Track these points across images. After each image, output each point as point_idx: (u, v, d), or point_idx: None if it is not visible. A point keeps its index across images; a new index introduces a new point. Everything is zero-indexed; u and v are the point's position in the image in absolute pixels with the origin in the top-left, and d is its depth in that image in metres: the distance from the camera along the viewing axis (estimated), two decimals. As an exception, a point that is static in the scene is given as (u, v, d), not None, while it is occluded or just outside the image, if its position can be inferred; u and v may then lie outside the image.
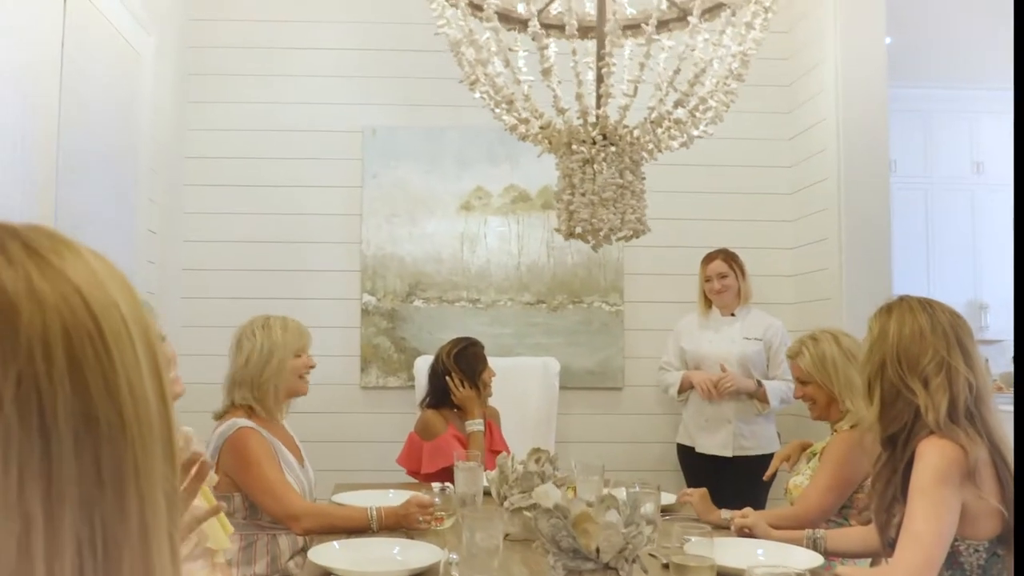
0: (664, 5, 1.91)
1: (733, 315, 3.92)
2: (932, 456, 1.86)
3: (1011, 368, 7.05)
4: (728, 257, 3.90)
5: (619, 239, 2.04)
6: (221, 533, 1.96)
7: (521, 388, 4.07)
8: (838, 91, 4.01)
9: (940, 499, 1.83)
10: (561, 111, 1.96)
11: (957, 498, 1.85)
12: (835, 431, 2.66)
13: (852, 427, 2.53)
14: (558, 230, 2.13)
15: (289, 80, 4.40)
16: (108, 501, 0.55)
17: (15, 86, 2.51)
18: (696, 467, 3.93)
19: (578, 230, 1.96)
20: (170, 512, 0.60)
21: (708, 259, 3.94)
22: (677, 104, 1.94)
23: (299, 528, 2.49)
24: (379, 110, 4.42)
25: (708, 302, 3.96)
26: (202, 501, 2.12)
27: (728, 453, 3.81)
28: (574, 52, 1.88)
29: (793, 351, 2.81)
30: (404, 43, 4.33)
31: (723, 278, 3.87)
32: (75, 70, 2.95)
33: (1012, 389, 6.24)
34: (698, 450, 3.90)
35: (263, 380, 2.66)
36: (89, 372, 0.55)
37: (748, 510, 2.46)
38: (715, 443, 3.85)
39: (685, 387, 3.92)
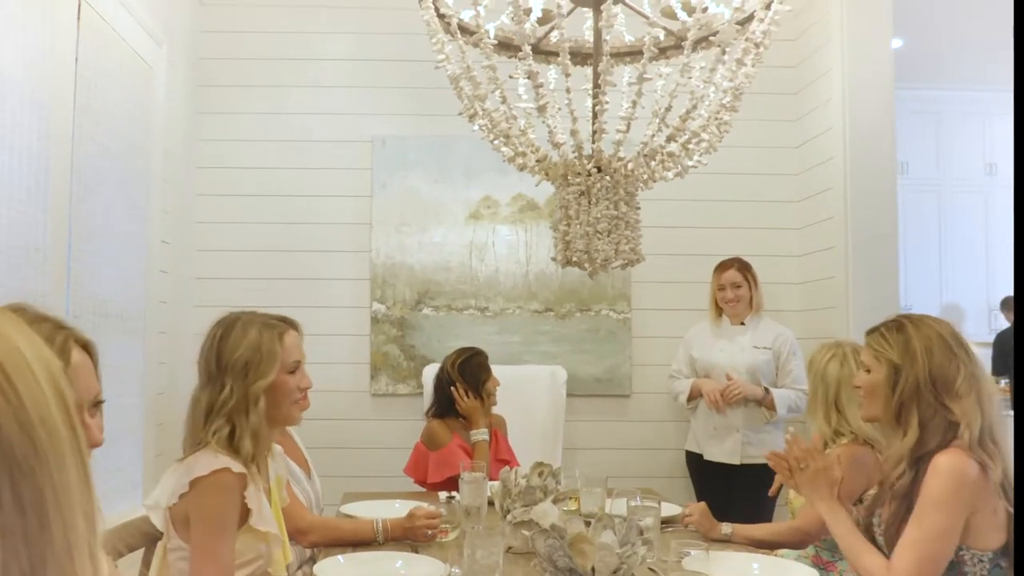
0: (662, 35, 1.93)
1: (743, 324, 3.94)
2: (954, 471, 1.86)
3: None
4: (743, 267, 3.92)
5: (614, 268, 2.08)
6: (282, 561, 2.03)
7: (529, 396, 4.11)
8: (845, 99, 4.02)
9: (950, 517, 1.84)
10: (557, 145, 2.00)
11: (964, 515, 1.87)
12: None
13: (849, 442, 2.56)
14: (555, 259, 2.18)
15: (299, 91, 4.45)
16: (32, 526, 0.61)
17: (30, 101, 2.57)
18: (704, 474, 3.96)
19: (574, 259, 2.00)
20: (88, 528, 0.66)
21: (722, 268, 3.95)
22: (670, 139, 1.98)
23: (306, 542, 2.53)
24: (388, 120, 4.47)
25: (719, 310, 3.98)
26: (281, 492, 2.20)
27: (736, 461, 3.84)
28: (568, 91, 1.91)
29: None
30: (413, 54, 4.36)
31: (737, 288, 3.89)
32: (88, 84, 3.01)
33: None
34: (706, 457, 3.93)
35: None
36: (1, 414, 0.61)
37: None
38: (723, 451, 3.88)
39: (695, 395, 3.95)
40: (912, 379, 1.97)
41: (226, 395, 1.99)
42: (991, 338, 7.40)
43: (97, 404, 1.28)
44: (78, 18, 2.92)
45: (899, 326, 2.05)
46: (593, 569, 1.69)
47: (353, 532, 2.53)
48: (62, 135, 2.80)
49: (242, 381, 2.01)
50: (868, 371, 2.08)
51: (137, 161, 3.53)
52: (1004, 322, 7.34)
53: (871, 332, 2.11)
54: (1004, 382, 7.15)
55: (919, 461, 1.95)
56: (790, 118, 4.54)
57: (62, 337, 1.21)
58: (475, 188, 4.42)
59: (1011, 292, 7.21)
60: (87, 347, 1.28)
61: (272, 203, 4.39)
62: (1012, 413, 5.33)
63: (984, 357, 7.48)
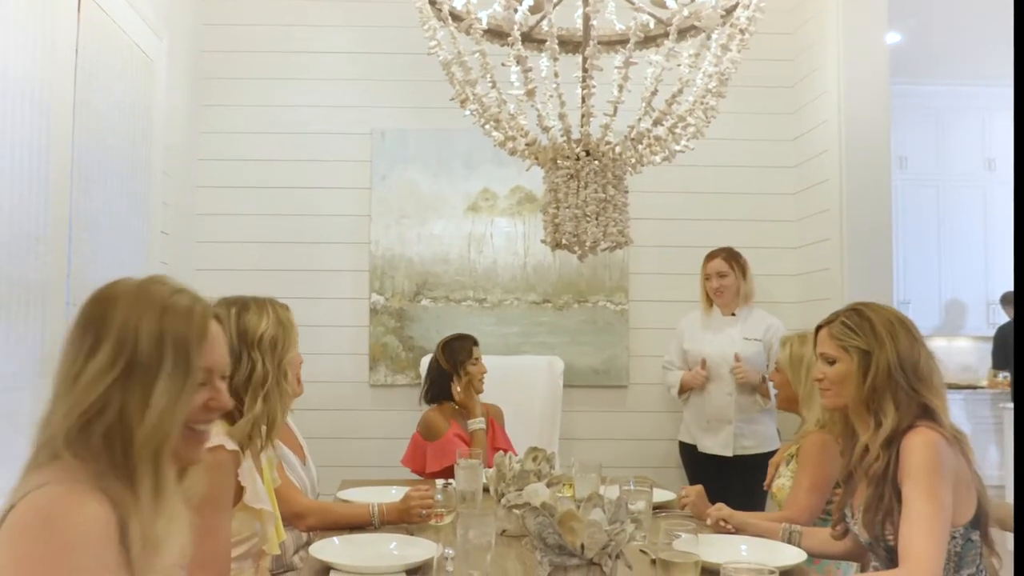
0: (652, 23, 1.96)
1: (734, 315, 3.97)
2: (928, 445, 1.90)
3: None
4: (729, 256, 3.95)
5: (603, 251, 2.11)
6: (275, 538, 2.07)
7: (526, 386, 4.14)
8: (840, 92, 4.05)
9: (940, 492, 1.87)
10: (545, 129, 2.04)
11: (951, 485, 1.89)
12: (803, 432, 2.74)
13: (821, 428, 2.61)
14: (544, 241, 2.21)
15: (299, 83, 4.48)
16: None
17: (31, 94, 2.60)
18: (697, 465, 3.99)
19: (564, 241, 2.03)
20: None
21: (709, 257, 3.99)
22: (656, 122, 2.01)
23: (303, 525, 2.56)
24: (388, 113, 4.50)
25: (710, 301, 4.01)
26: (272, 472, 2.24)
27: (728, 453, 3.87)
28: (556, 75, 1.94)
29: (782, 340, 2.94)
30: (413, 46, 4.38)
31: (722, 277, 3.92)
32: (89, 77, 3.03)
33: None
34: (699, 449, 3.96)
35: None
36: None
37: (720, 505, 2.53)
38: (716, 443, 3.91)
39: (685, 388, 3.99)
40: (884, 364, 2.00)
41: (260, 371, 2.03)
42: (990, 332, 7.43)
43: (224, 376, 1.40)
44: (78, 10, 2.94)
45: (859, 314, 2.07)
46: (582, 546, 1.72)
47: (349, 516, 2.56)
48: (62, 127, 2.83)
49: (272, 355, 2.05)
50: (832, 362, 2.09)
51: (138, 153, 3.56)
52: (1003, 316, 7.36)
53: (829, 324, 2.12)
54: (1003, 375, 7.17)
55: (890, 444, 1.99)
56: (787, 111, 4.56)
57: (201, 307, 1.35)
58: (474, 180, 4.46)
59: (1010, 287, 7.24)
60: (220, 320, 1.41)
61: (272, 195, 4.42)
62: (1012, 406, 5.35)
63: (984, 351, 7.53)
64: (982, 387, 7.29)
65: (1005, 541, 2.16)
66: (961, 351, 7.61)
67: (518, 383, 4.00)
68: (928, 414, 1.98)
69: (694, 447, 3.99)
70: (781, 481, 2.80)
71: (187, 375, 1.28)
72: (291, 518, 2.58)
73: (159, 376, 1.26)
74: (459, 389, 3.47)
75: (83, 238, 3.01)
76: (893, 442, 1.97)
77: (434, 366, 3.57)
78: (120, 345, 1.25)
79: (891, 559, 1.99)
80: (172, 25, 3.89)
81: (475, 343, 3.58)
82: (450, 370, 3.48)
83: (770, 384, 3.78)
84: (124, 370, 1.24)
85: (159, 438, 1.26)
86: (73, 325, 1.30)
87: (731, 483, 3.72)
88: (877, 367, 2.00)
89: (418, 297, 4.41)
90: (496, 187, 4.45)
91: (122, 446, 1.23)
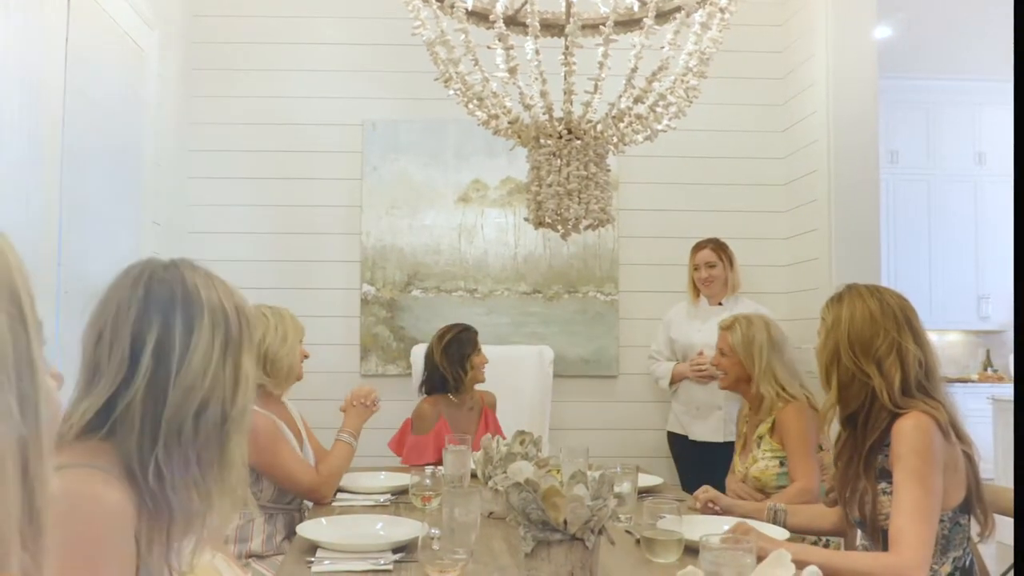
0: (636, 6, 1.99)
1: (721, 304, 3.99)
2: (912, 434, 1.91)
3: (1012, 358, 7.09)
4: (717, 247, 3.98)
5: (585, 228, 2.13)
6: None
7: (516, 376, 4.15)
8: (829, 83, 4.07)
9: (931, 477, 1.89)
10: (528, 107, 2.06)
11: (940, 470, 1.91)
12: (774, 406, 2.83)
13: (786, 402, 2.69)
14: (527, 219, 2.24)
15: (291, 74, 4.49)
16: None
17: (21, 83, 2.61)
18: (688, 454, 4.00)
19: (547, 219, 2.06)
20: None
21: (697, 248, 4.02)
22: (637, 100, 2.03)
23: (327, 493, 2.68)
24: (379, 104, 4.51)
25: (697, 291, 4.03)
26: None
27: (720, 439, 3.89)
28: (537, 52, 1.97)
29: (726, 324, 3.06)
30: (404, 38, 4.35)
31: (711, 267, 3.95)
32: (79, 66, 3.04)
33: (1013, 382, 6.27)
34: (691, 438, 3.97)
35: (279, 358, 2.75)
36: None
37: (706, 487, 2.56)
38: (707, 429, 3.93)
39: (677, 379, 4.01)
40: (833, 342, 2.05)
41: None
42: (980, 326, 7.46)
43: None
44: (68, 0, 2.95)
45: (839, 296, 2.11)
46: (565, 521, 1.74)
47: (341, 458, 2.82)
48: (52, 115, 2.84)
49: None
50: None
51: (129, 143, 3.57)
52: (994, 312, 7.39)
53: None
54: (991, 369, 7.19)
55: (852, 422, 2.04)
56: (777, 102, 4.58)
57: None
58: (465, 171, 4.47)
59: (1002, 282, 7.28)
60: None
61: (263, 186, 4.44)
62: (999, 397, 5.36)
63: (973, 345, 7.56)
64: (972, 380, 7.33)
65: (996, 530, 2.16)
66: (951, 345, 7.65)
67: (508, 373, 4.01)
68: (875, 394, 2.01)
69: (684, 437, 4.00)
70: (760, 464, 2.83)
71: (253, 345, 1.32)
72: (309, 495, 2.69)
73: (243, 349, 1.28)
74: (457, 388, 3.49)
75: (73, 227, 3.02)
76: (856, 422, 2.03)
77: (430, 358, 3.57)
78: (213, 322, 1.26)
79: (868, 534, 2.02)
80: (164, 16, 3.90)
81: (476, 332, 3.60)
82: (451, 372, 3.49)
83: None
84: (222, 346, 1.26)
85: (248, 411, 1.28)
86: (123, 306, 1.27)
87: (722, 470, 3.74)
88: (827, 344, 2.06)
89: (409, 287, 4.43)
90: (487, 178, 4.47)
91: (215, 425, 1.23)
